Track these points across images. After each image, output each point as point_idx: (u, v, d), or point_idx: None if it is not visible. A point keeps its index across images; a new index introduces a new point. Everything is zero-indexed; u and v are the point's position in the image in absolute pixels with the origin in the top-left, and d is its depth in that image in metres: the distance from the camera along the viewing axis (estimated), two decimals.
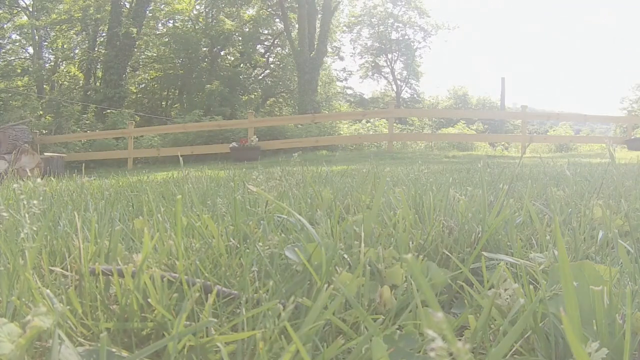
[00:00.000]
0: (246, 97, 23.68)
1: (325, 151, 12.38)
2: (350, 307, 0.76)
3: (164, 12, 24.22)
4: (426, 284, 0.48)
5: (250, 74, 24.94)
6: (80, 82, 22.80)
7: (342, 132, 14.88)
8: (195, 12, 24.77)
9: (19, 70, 23.23)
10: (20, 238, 0.90)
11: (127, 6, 20.59)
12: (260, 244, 0.91)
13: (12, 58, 23.78)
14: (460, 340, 0.71)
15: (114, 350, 0.59)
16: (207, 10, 24.72)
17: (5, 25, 22.81)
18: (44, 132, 15.08)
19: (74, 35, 23.47)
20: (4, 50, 23.06)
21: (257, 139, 11.42)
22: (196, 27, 24.34)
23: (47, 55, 24.16)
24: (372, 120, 16.51)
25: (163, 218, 1.23)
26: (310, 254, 0.82)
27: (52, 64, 24.15)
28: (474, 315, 0.68)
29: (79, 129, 16.03)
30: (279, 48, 26.06)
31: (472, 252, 0.97)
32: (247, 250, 0.90)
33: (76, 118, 17.32)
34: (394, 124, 13.05)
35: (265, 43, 26.27)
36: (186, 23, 24.60)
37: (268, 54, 26.49)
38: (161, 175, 5.07)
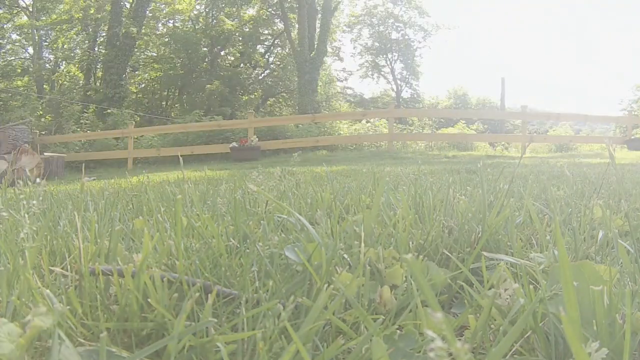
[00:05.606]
0: (246, 97, 23.68)
1: (325, 151, 12.38)
2: (350, 307, 0.76)
3: (164, 12, 24.23)
4: (426, 284, 0.48)
5: (250, 74, 24.94)
6: (80, 82, 22.79)
7: (342, 132, 14.88)
8: (195, 12, 24.78)
9: (19, 70, 23.24)
10: (20, 238, 0.90)
11: (127, 6, 20.59)
12: (260, 244, 0.91)
13: (12, 58, 23.79)
14: (460, 340, 0.71)
15: (114, 350, 0.59)
16: (207, 10, 24.73)
17: (5, 26, 22.81)
18: (43, 132, 15.07)
19: (74, 35, 23.47)
20: (4, 50, 23.06)
21: (257, 139, 11.42)
22: (196, 27, 24.34)
23: (47, 55, 24.17)
24: (372, 120, 16.50)
25: (163, 218, 1.23)
26: (310, 254, 0.82)
27: (52, 64, 24.16)
28: (474, 315, 0.68)
29: (79, 129, 16.03)
30: (279, 48, 26.06)
31: (472, 252, 0.97)
32: (247, 250, 0.90)
33: (76, 118, 17.29)
34: (394, 124, 13.04)
35: (266, 43, 26.27)
36: (186, 23, 24.61)
37: (268, 54, 26.49)
38: (161, 175, 5.07)
